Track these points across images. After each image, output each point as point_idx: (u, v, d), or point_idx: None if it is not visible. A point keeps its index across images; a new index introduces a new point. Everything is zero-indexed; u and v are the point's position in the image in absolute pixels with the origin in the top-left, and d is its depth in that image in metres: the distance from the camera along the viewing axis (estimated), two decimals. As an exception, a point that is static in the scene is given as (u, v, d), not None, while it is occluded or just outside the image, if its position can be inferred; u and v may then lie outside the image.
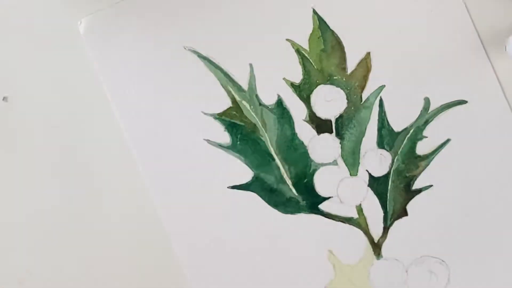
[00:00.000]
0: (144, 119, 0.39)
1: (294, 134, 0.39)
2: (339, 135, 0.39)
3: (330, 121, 0.39)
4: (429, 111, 0.39)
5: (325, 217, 0.39)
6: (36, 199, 0.40)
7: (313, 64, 0.39)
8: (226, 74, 0.39)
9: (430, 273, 0.39)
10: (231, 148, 0.39)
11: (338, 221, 0.39)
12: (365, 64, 0.39)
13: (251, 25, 0.39)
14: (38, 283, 0.40)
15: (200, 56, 0.39)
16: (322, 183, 0.39)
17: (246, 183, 0.39)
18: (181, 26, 0.39)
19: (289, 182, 0.39)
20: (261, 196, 0.39)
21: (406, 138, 0.39)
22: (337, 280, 0.39)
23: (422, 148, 0.39)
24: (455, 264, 0.39)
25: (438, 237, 0.39)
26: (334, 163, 0.39)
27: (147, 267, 0.39)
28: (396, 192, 0.39)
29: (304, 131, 0.39)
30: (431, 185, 0.39)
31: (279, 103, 0.39)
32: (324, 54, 0.39)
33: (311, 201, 0.39)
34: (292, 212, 0.39)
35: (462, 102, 0.39)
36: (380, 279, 0.39)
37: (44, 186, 0.40)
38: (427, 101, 0.39)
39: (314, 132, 0.39)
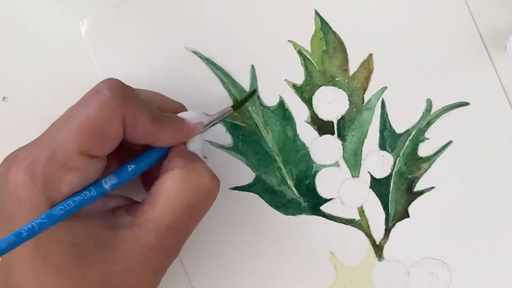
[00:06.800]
0: (145, 120, 0.39)
1: (295, 136, 0.39)
2: (341, 136, 0.39)
3: (332, 122, 0.39)
4: (431, 112, 0.39)
5: (327, 218, 0.39)
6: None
7: (315, 65, 0.39)
8: (228, 75, 0.39)
9: (431, 275, 0.39)
10: (233, 149, 0.39)
11: (339, 222, 0.39)
12: (367, 65, 0.39)
13: (253, 26, 0.39)
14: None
15: (202, 57, 0.39)
16: (323, 184, 0.39)
17: (248, 184, 0.39)
18: (183, 27, 0.39)
19: (290, 183, 0.39)
20: (262, 198, 0.39)
21: (408, 140, 0.39)
22: (338, 281, 0.39)
23: (424, 150, 0.39)
24: (457, 266, 0.39)
25: (440, 239, 0.39)
26: (336, 164, 0.39)
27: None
28: (397, 193, 0.39)
29: (306, 133, 0.39)
30: (433, 187, 0.39)
31: (281, 104, 0.39)
32: (326, 56, 0.39)
33: (313, 203, 0.39)
34: (293, 214, 0.39)
35: (464, 104, 0.39)
36: (381, 280, 0.39)
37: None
38: (429, 103, 0.39)
39: (316, 133, 0.39)
